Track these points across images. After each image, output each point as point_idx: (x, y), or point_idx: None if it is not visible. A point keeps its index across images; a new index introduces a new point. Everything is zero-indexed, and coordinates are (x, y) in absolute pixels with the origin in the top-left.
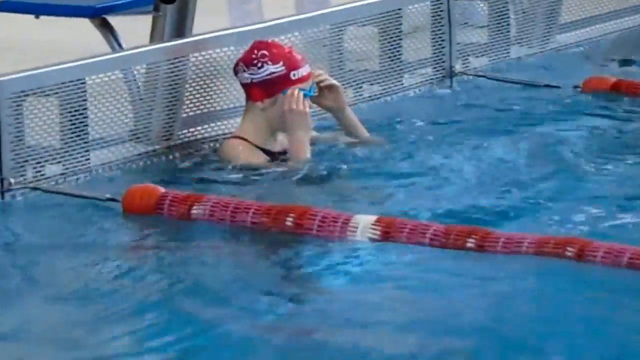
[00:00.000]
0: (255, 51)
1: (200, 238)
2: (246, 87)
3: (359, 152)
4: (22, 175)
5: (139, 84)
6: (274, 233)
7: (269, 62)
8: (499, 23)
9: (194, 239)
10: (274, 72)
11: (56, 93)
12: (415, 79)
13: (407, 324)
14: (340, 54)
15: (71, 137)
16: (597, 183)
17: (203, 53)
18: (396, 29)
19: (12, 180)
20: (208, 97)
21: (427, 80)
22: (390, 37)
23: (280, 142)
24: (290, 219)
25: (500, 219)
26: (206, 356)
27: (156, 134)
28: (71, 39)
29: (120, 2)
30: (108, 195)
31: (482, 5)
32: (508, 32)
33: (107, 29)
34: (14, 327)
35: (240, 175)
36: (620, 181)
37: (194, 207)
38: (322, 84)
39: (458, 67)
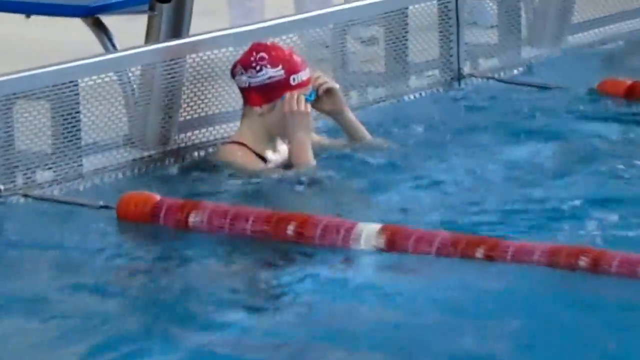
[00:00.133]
0: (254, 53)
1: (197, 247)
2: (244, 90)
3: (362, 157)
4: (11, 182)
5: (134, 86)
6: (274, 242)
7: (268, 66)
8: (509, 23)
9: (191, 248)
10: (273, 76)
11: (47, 96)
12: (422, 82)
13: (410, 339)
14: (344, 55)
15: (63, 142)
16: (612, 189)
17: (200, 54)
18: (402, 29)
19: (2, 187)
20: (206, 100)
21: (434, 83)
22: (396, 38)
23: (282, 152)
24: (292, 228)
25: (510, 227)
26: None
27: (152, 139)
28: (63, 39)
29: (114, 1)
30: (101, 203)
31: (491, 4)
32: (519, 32)
33: (100, 29)
34: None
35: (239, 182)
36: (637, 187)
37: (191, 215)
38: (319, 88)
39: (466, 68)
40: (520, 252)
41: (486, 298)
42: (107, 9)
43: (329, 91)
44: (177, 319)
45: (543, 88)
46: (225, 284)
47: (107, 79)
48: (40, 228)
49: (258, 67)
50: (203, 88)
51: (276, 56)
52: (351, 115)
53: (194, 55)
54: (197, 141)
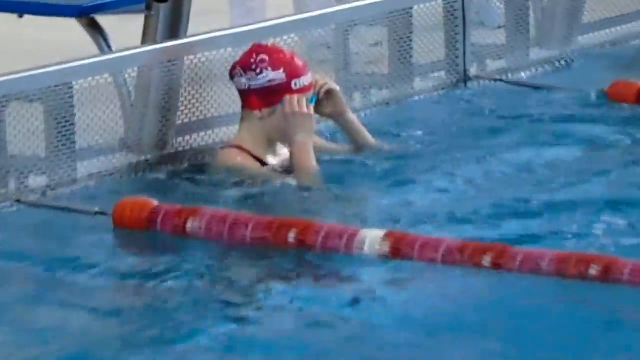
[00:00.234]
0: (254, 55)
1: (195, 254)
2: (243, 93)
3: (364, 160)
4: (3, 187)
5: (130, 88)
6: (274, 249)
7: (269, 68)
8: (517, 22)
9: (189, 255)
10: (273, 79)
11: (41, 98)
12: (427, 83)
13: (414, 348)
14: (346, 56)
15: (57, 146)
16: (622, 193)
17: (199, 55)
18: (406, 29)
19: None
20: (204, 103)
21: (439, 85)
22: (400, 38)
23: (282, 156)
24: (293, 234)
25: (518, 233)
26: None
27: (148, 143)
28: (57, 39)
29: (109, 0)
30: (96, 209)
31: (499, 3)
32: (527, 32)
33: (95, 29)
34: None
35: (238, 187)
36: None
37: (189, 221)
38: (319, 91)
39: (473, 70)
40: (528, 259)
41: (490, 306)
42: (102, 8)
43: (329, 93)
44: (172, 329)
45: (552, 90)
46: (223, 293)
47: (102, 81)
48: (33, 235)
49: (258, 69)
50: (201, 90)
51: (277, 58)
52: (353, 118)
53: (191, 56)
54: (195, 145)
